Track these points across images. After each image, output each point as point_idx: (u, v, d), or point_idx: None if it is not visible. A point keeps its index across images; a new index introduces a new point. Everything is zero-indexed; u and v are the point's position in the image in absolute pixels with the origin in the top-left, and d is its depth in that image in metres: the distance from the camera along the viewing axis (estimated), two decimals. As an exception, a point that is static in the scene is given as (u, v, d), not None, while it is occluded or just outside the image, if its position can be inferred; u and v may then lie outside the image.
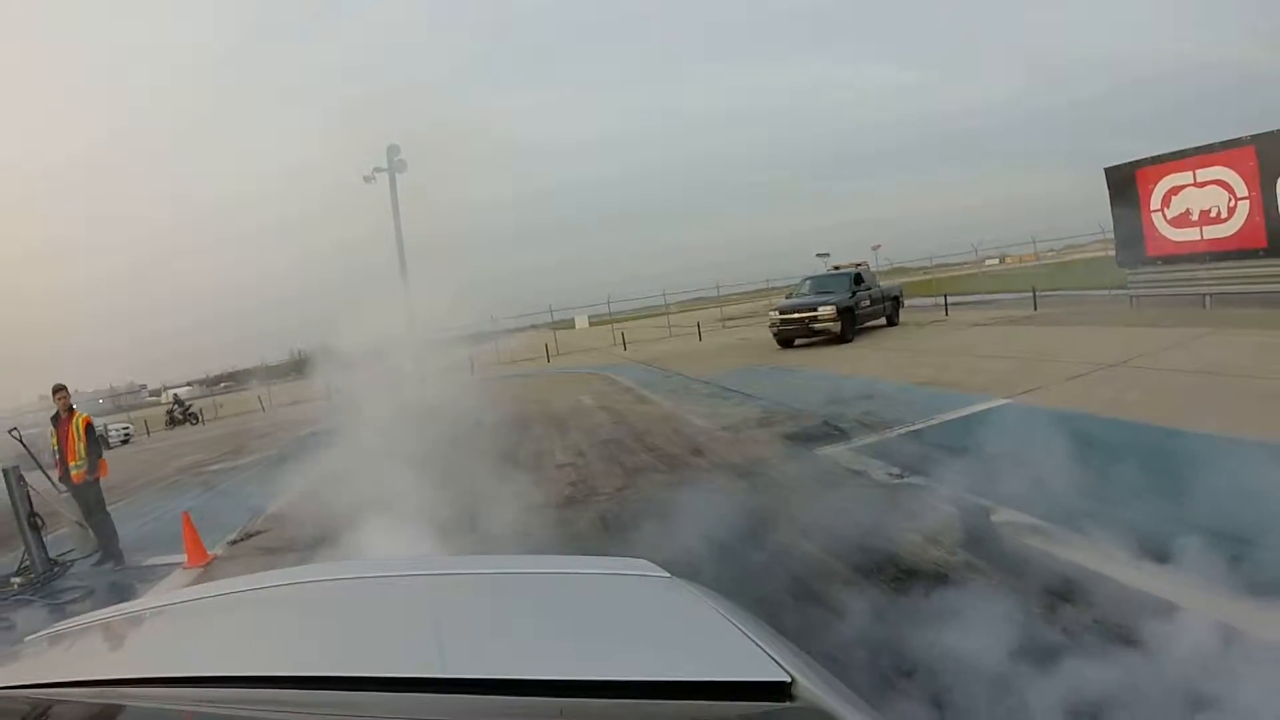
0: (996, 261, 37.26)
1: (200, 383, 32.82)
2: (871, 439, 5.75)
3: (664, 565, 1.09)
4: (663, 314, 23.77)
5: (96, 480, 5.55)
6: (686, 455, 6.26)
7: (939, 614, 2.62)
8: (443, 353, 9.00)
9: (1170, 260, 12.39)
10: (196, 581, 4.43)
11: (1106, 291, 14.82)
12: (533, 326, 22.54)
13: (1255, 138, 11.28)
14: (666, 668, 0.73)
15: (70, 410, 5.55)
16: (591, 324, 24.83)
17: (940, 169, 68.37)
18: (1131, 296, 13.08)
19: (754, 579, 3.28)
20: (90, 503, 5.47)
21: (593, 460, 6.55)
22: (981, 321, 13.53)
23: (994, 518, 3.63)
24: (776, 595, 3.09)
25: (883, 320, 14.81)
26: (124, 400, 33.67)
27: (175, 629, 1.08)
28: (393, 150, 21.68)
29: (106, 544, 5.43)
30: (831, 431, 6.27)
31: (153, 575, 5.12)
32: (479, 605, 1.05)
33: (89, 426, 5.55)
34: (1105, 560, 2.94)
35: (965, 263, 37.26)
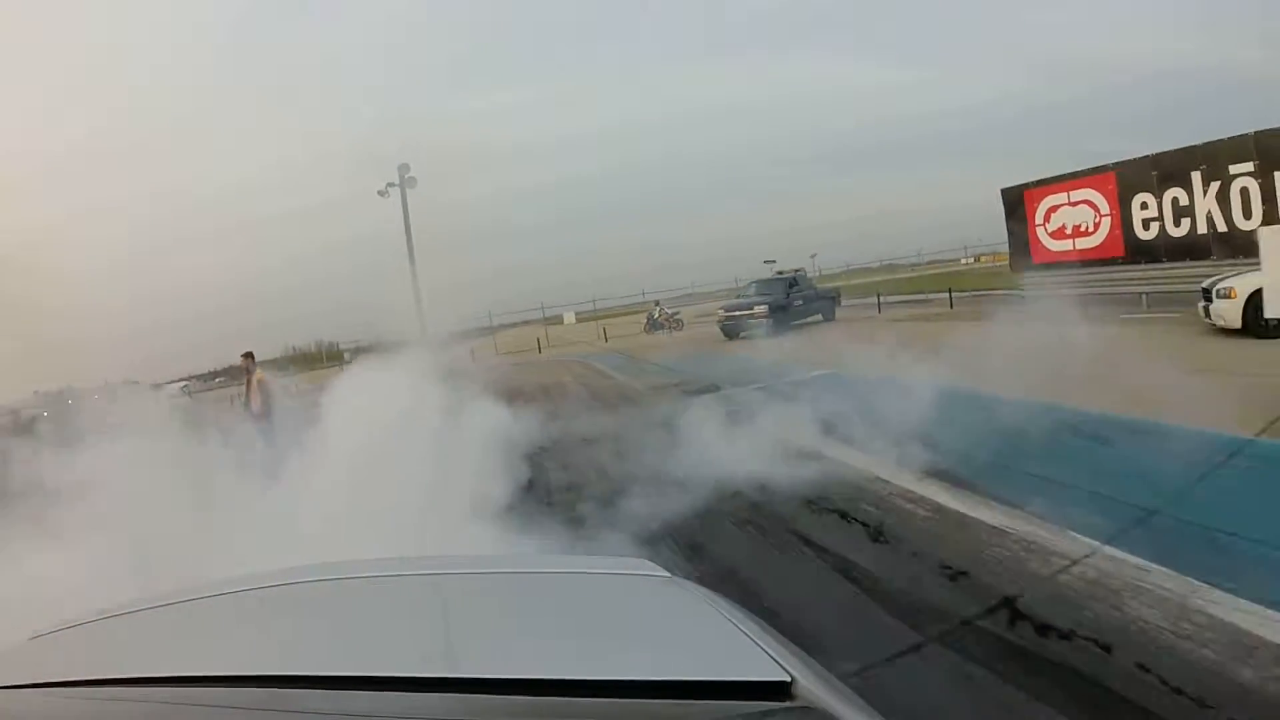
0: (971, 260, 39.15)
1: (199, 378, 31.97)
2: (729, 390, 8.21)
3: (662, 562, 1.11)
4: (643, 310, 26.27)
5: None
6: (617, 400, 8.90)
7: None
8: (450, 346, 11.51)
9: (1050, 267, 14.64)
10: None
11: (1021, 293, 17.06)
12: (525, 322, 25.08)
13: (1115, 165, 13.55)
14: (665, 667, 0.73)
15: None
16: (579, 320, 27.41)
17: (937, 167, 69.42)
18: (1024, 298, 15.35)
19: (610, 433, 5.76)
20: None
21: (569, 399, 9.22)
22: (898, 318, 15.85)
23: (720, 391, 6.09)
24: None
25: (819, 317, 17.16)
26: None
27: (175, 628, 1.07)
28: (403, 168, 24.52)
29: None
30: (710, 387, 8.72)
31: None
32: (477, 605, 1.05)
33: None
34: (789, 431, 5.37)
35: (957, 259, 39.43)
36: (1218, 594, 2.43)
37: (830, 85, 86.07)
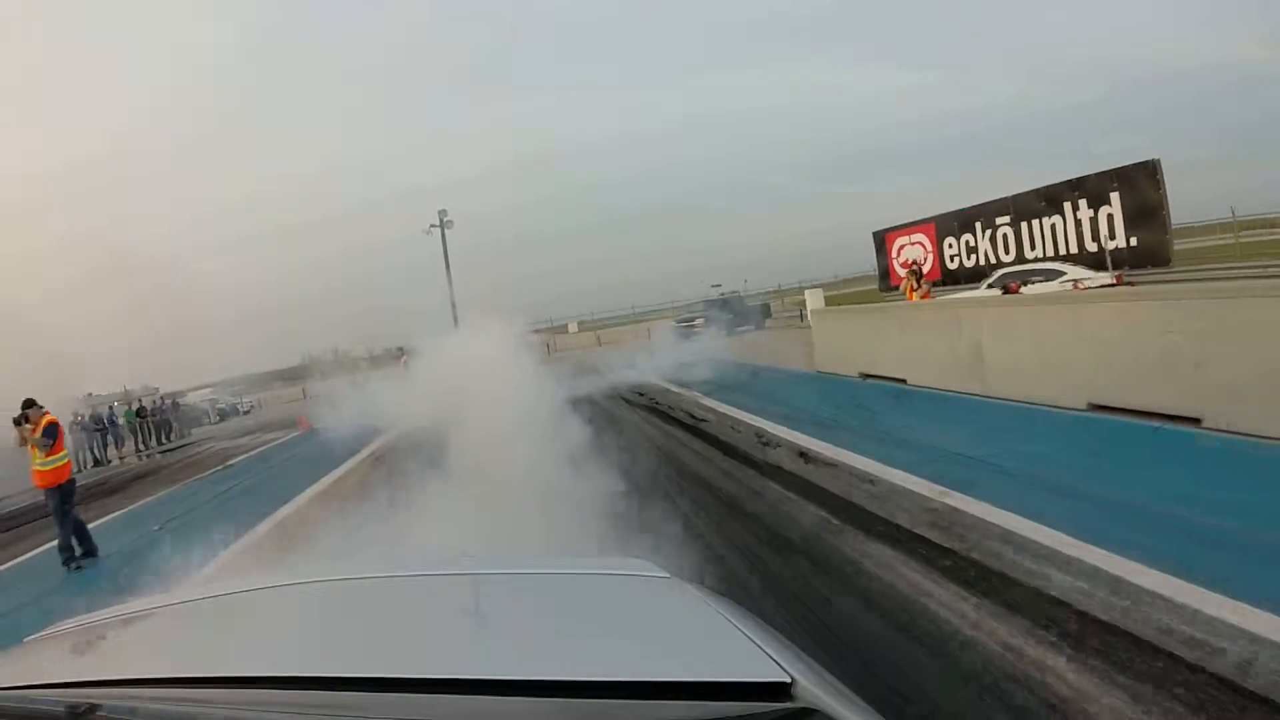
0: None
1: (220, 385, 32.91)
2: (654, 361, 14.80)
3: (661, 561, 1.14)
4: (637, 321, 32.86)
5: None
6: (590, 368, 15.44)
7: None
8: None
9: (898, 288, 20.95)
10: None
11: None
12: (535, 331, 31.85)
13: (935, 217, 19.92)
14: (666, 668, 0.74)
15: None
16: (581, 329, 34.03)
17: (940, 171, 72.78)
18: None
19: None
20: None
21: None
22: (799, 326, 22.28)
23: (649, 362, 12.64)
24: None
25: (751, 326, 23.59)
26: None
27: (175, 629, 1.08)
28: (442, 213, 32.21)
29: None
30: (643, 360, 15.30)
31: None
32: (478, 606, 1.06)
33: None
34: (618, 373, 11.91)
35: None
36: (738, 411, 8.90)
37: (844, 92, 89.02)
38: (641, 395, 10.87)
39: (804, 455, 5.42)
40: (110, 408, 21.79)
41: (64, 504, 5.63)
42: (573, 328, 34.29)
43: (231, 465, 11.45)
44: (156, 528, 6.78)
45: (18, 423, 5.64)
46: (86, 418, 19.90)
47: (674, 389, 10.89)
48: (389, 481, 6.36)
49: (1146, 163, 14.38)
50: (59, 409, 19.24)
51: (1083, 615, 2.51)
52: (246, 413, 29.59)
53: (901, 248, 20.99)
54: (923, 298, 11.64)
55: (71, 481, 5.78)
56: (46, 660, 1.00)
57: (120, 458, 19.69)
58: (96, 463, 18.80)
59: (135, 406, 22.36)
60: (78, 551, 5.68)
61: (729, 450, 6.20)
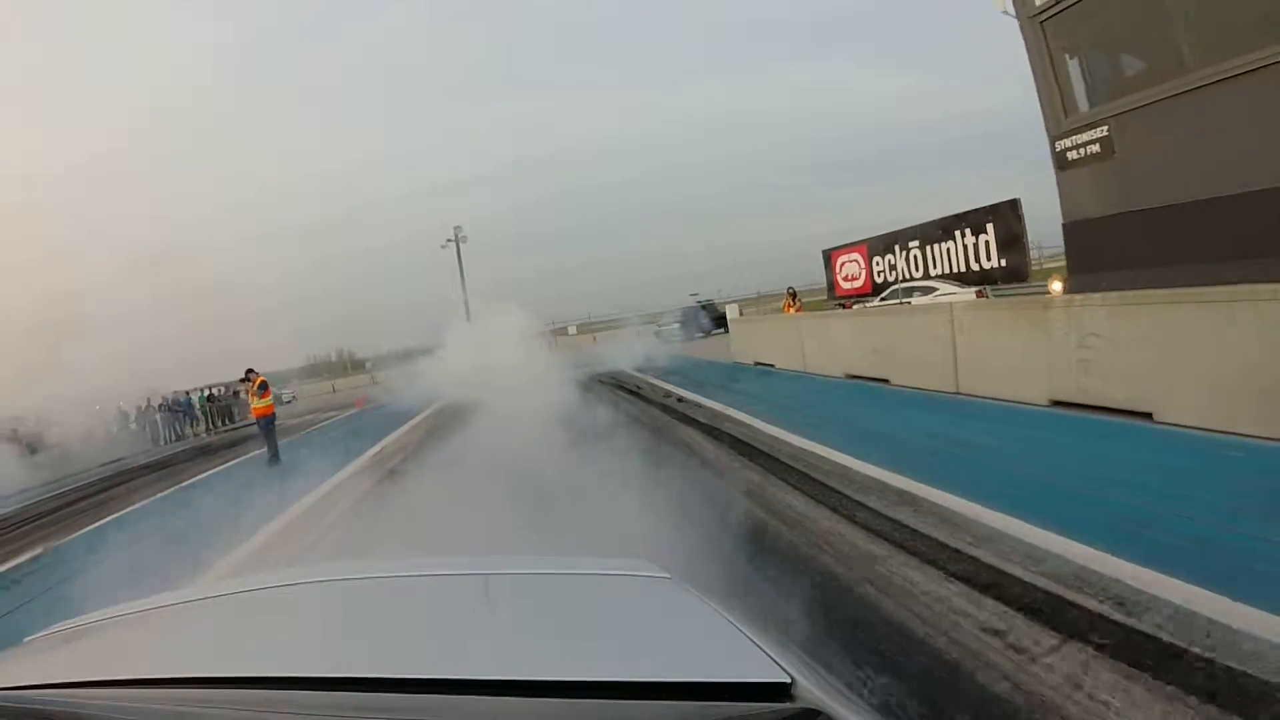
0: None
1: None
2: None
3: (660, 560, 1.14)
4: (627, 325, 37.28)
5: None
6: (582, 360, 19.86)
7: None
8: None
9: (842, 298, 25.22)
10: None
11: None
12: (538, 333, 36.32)
13: (865, 240, 24.20)
14: (665, 668, 0.74)
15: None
16: (580, 331, 38.50)
17: (942, 174, 74.70)
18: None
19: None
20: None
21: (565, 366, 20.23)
22: (761, 328, 26.56)
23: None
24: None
25: (723, 330, 27.86)
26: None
27: (176, 629, 1.09)
28: (457, 229, 37.06)
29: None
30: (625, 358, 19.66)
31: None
32: (478, 605, 1.07)
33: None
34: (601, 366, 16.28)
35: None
36: (663, 383, 13.23)
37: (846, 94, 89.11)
38: (612, 376, 15.26)
39: (681, 400, 9.77)
40: (186, 394, 26.27)
41: (269, 428, 10.03)
42: (572, 330, 38.76)
43: (317, 429, 15.84)
44: (301, 449, 11.17)
45: (243, 380, 10.07)
46: (169, 400, 24.41)
47: (632, 372, 15.25)
48: (454, 413, 10.76)
49: (1012, 200, 18.61)
50: (141, 395, 23.31)
51: (734, 439, 6.84)
52: (288, 402, 34.09)
53: (843, 264, 25.28)
54: (796, 311, 15.97)
55: (273, 416, 10.18)
56: (47, 660, 1.01)
57: (194, 435, 24.03)
58: (179, 437, 23.23)
59: (206, 394, 26.85)
60: (278, 455, 10.10)
61: (646, 399, 10.61)
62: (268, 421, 10.04)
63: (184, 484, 9.88)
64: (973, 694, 2.32)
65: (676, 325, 26.55)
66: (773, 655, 0.73)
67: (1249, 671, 2.05)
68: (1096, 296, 5.39)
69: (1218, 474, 3.73)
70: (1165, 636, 2.27)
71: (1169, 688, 2.10)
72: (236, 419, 26.98)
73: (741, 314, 24.96)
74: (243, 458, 11.60)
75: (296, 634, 1.01)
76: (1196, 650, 2.17)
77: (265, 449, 10.20)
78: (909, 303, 16.38)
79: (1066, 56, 7.60)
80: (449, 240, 35.73)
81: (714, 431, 7.29)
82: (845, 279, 25.20)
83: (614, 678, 0.72)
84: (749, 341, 14.13)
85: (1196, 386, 4.45)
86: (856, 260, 24.98)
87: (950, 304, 7.82)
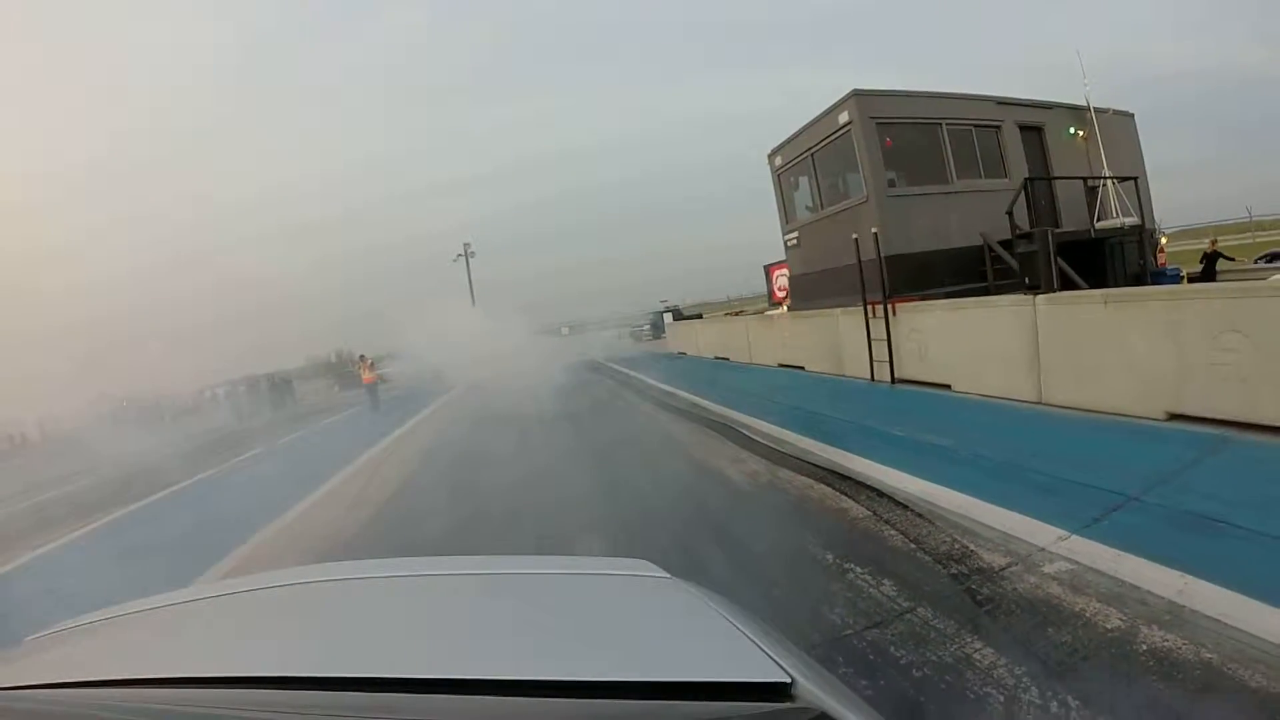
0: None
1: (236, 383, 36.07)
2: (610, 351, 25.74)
3: (659, 560, 1.16)
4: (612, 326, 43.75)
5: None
6: (566, 362, 26.52)
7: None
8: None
9: (776, 304, 31.73)
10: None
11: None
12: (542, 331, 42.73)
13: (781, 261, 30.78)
14: (665, 668, 0.75)
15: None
16: (571, 332, 45.13)
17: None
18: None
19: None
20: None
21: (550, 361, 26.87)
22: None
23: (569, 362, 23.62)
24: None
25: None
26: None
27: (175, 629, 1.09)
28: (467, 246, 44.04)
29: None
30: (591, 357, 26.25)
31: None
32: (478, 606, 1.07)
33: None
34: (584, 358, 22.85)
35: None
36: (618, 366, 19.74)
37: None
38: (589, 362, 21.88)
39: (617, 370, 16.36)
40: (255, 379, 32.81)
41: (374, 390, 16.60)
42: (565, 330, 45.37)
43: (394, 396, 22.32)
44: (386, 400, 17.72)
45: (359, 360, 16.68)
46: (278, 379, 31.11)
47: (602, 360, 21.88)
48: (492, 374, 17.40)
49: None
50: (209, 382, 29.79)
51: (628, 380, 13.42)
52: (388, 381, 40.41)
53: (777, 276, 31.88)
54: (735, 315, 22.59)
55: (377, 382, 16.74)
56: (47, 660, 1.01)
57: (291, 405, 30.47)
58: (282, 406, 29.69)
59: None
60: (379, 405, 16.66)
61: (607, 374, 17.25)
62: (372, 386, 16.60)
63: (338, 418, 16.44)
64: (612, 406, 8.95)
65: (648, 327, 33.19)
66: (773, 655, 0.74)
67: (731, 425, 8.64)
68: (791, 313, 12.01)
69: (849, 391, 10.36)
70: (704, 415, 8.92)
71: (692, 423, 8.71)
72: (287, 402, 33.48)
73: (689, 319, 31.49)
74: (351, 409, 18.16)
75: (296, 634, 1.01)
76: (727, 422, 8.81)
77: (360, 408, 16.75)
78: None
79: (787, 193, 14.54)
80: (458, 255, 42.17)
81: (625, 377, 14.02)
82: (779, 288, 31.79)
83: (614, 678, 0.72)
84: (675, 339, 20.87)
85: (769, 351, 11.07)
86: (785, 274, 31.47)
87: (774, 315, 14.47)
